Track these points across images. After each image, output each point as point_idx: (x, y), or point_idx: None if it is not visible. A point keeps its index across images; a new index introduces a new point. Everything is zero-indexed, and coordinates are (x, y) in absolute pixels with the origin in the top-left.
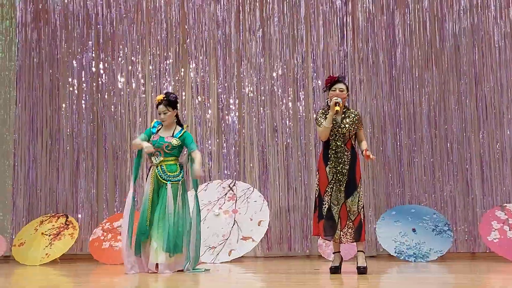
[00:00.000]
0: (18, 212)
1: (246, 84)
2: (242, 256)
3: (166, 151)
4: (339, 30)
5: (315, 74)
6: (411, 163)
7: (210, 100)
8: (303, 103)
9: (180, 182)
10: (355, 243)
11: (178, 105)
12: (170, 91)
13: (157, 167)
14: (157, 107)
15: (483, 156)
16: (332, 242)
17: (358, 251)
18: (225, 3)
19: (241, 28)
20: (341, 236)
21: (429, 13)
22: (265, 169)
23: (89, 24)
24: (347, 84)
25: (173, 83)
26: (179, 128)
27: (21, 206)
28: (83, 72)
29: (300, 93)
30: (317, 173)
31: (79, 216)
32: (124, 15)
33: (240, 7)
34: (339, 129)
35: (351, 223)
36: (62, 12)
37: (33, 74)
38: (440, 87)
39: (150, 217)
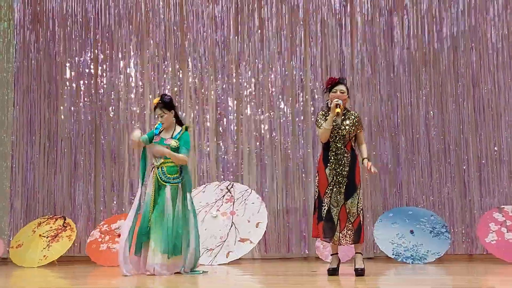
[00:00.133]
0: (16, 214)
1: (245, 86)
2: (240, 258)
3: None
4: (337, 32)
5: (313, 76)
6: (409, 165)
7: (208, 102)
8: (302, 105)
9: (180, 184)
10: (353, 245)
11: (175, 105)
12: (165, 93)
13: (158, 168)
14: (154, 110)
15: (481, 158)
16: (331, 243)
17: (356, 253)
18: (223, 5)
19: (239, 30)
20: (340, 238)
21: (427, 15)
22: (263, 171)
23: (87, 26)
24: (347, 86)
25: (170, 84)
26: (178, 128)
27: (18, 208)
28: (80, 74)
29: (299, 95)
30: (316, 174)
31: (77, 218)
32: (122, 17)
33: (239, 9)
34: (339, 131)
35: (350, 225)
36: (60, 13)
37: (31, 75)
38: (437, 89)
39: (151, 218)
